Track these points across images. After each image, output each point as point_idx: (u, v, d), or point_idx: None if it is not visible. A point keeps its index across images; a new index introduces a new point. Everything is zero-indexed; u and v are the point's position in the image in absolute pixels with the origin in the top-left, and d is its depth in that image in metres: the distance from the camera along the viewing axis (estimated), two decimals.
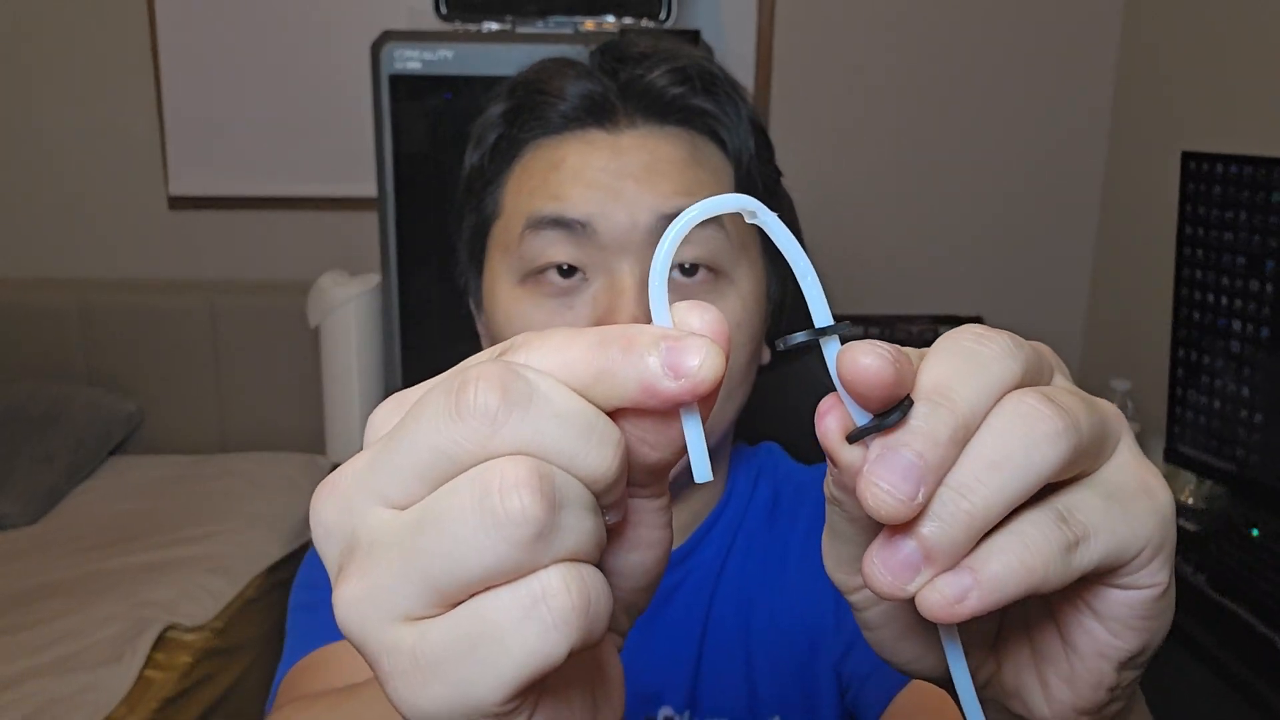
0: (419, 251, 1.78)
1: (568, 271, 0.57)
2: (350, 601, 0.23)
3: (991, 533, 0.25)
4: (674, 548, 0.65)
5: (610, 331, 0.24)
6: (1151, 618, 0.28)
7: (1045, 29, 2.23)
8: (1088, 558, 0.26)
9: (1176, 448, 1.43)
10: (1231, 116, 1.85)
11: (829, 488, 0.29)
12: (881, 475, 0.24)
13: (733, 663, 0.65)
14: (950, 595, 0.25)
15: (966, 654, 0.31)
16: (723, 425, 0.61)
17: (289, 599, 0.67)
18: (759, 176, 0.61)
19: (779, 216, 0.71)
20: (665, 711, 0.63)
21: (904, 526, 0.25)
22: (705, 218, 0.26)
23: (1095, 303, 2.35)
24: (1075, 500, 0.26)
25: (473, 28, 1.84)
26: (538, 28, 1.85)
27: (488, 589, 0.22)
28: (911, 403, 0.25)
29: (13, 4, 2.18)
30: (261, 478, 2.07)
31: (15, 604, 1.60)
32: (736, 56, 2.19)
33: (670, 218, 0.55)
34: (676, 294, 0.57)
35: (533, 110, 0.60)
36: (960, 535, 0.25)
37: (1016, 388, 0.26)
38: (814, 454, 0.77)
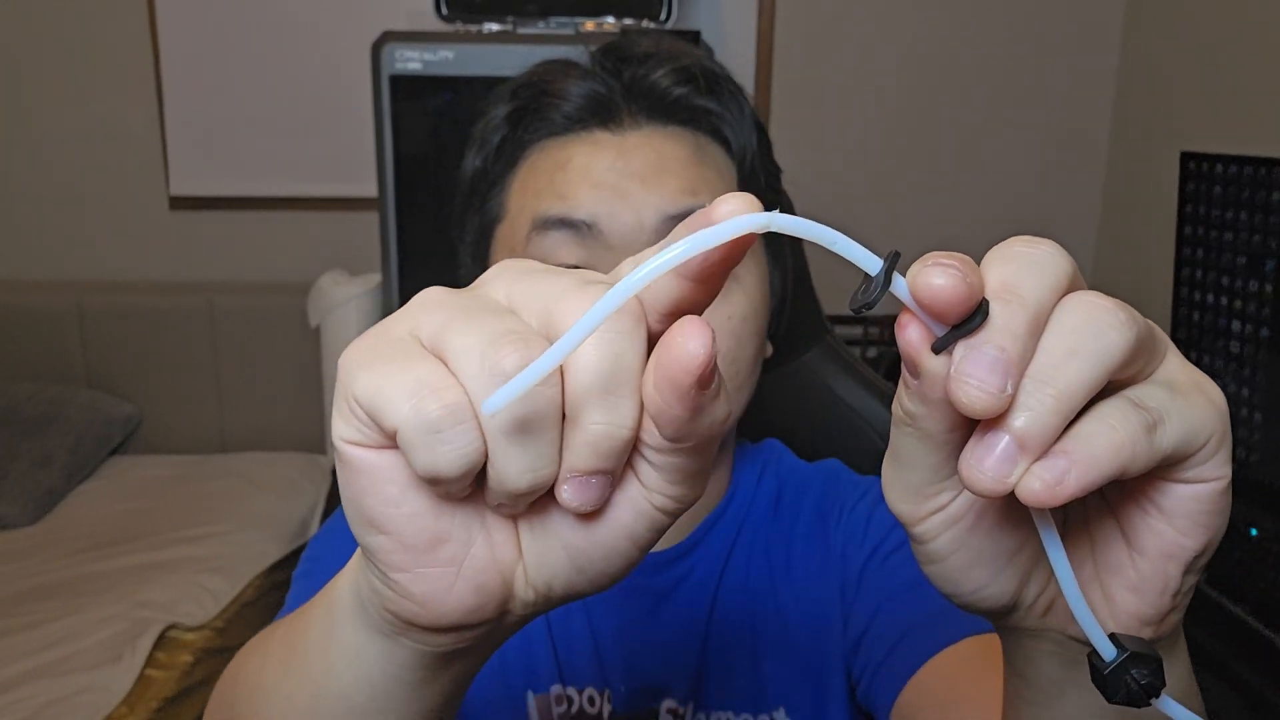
0: (419, 251, 1.79)
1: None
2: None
3: (1075, 421, 0.27)
4: (678, 541, 0.65)
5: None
6: (1217, 513, 0.29)
7: (1046, 30, 2.23)
8: (1167, 439, 0.27)
9: None
10: (1231, 117, 1.86)
11: (903, 406, 0.29)
12: (970, 373, 0.25)
13: (738, 656, 0.65)
14: (1050, 479, 0.26)
15: (1026, 577, 0.32)
16: (733, 419, 0.62)
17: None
18: (761, 173, 0.62)
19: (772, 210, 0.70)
20: (669, 704, 0.64)
21: (993, 423, 0.26)
22: (726, 240, 0.26)
23: None
24: (1143, 392, 0.28)
25: (473, 28, 1.84)
26: (538, 28, 1.85)
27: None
28: (988, 305, 0.26)
29: (14, 5, 2.18)
30: (261, 478, 2.07)
31: (15, 605, 1.61)
32: (737, 57, 2.19)
33: (676, 218, 0.56)
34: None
35: (536, 111, 0.60)
36: (1050, 421, 0.26)
37: (1071, 287, 0.28)
38: (814, 450, 0.77)
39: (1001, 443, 0.26)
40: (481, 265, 0.64)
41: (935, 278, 0.25)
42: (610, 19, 1.86)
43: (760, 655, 0.65)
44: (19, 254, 2.30)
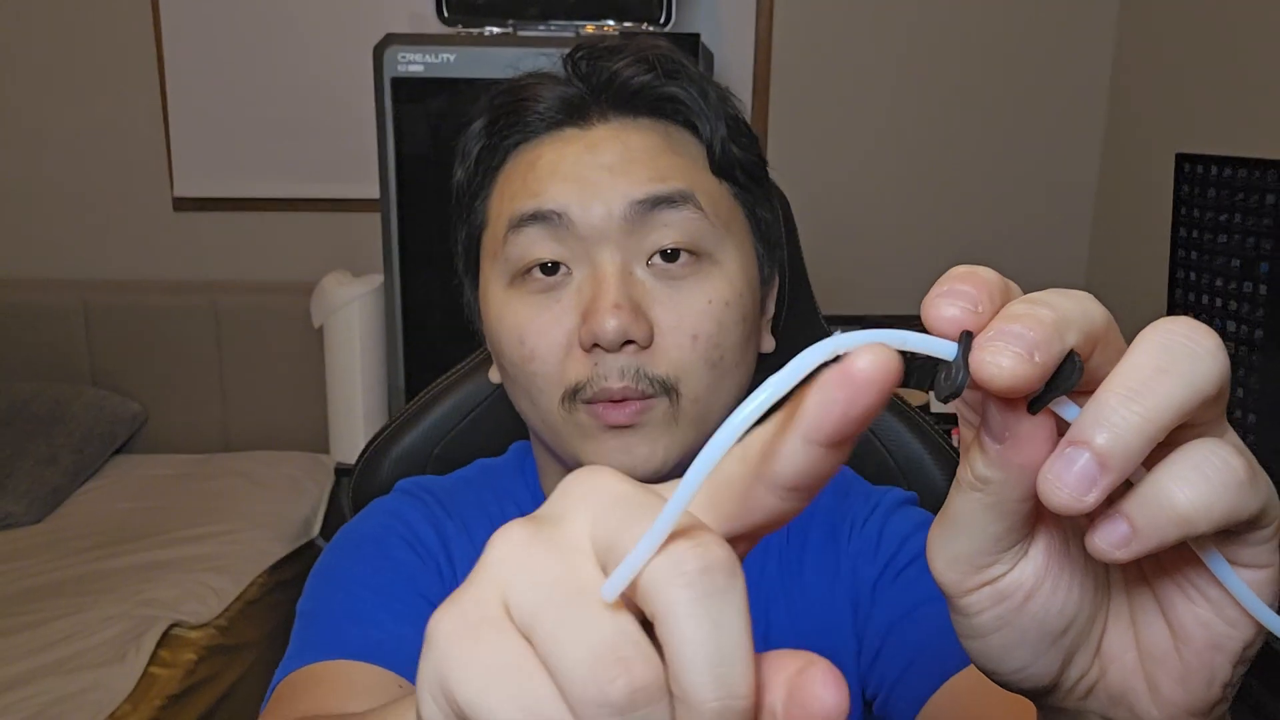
0: (421, 252, 1.80)
1: (551, 269, 0.57)
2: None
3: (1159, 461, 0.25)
4: None
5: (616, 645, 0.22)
6: (1268, 600, 0.27)
7: (1041, 33, 2.24)
8: (1256, 499, 0.25)
9: None
10: (1226, 119, 1.87)
11: (975, 470, 0.27)
12: (1060, 477, 0.24)
13: None
14: (1115, 538, 0.25)
15: (1069, 659, 0.30)
16: (724, 403, 0.60)
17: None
18: (736, 160, 0.61)
19: (770, 211, 0.70)
20: None
21: (1075, 436, 0.25)
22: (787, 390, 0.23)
23: None
24: (1226, 442, 0.26)
25: (474, 31, 1.85)
26: (539, 31, 1.86)
27: None
28: (1075, 355, 0.24)
29: (18, 6, 2.19)
30: (265, 477, 2.08)
31: (20, 603, 1.62)
32: (735, 60, 2.21)
33: (642, 203, 0.56)
34: (662, 283, 0.57)
35: (510, 117, 0.61)
36: (1133, 441, 0.24)
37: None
38: None
39: (1081, 460, 0.24)
40: (474, 276, 0.65)
41: (1001, 358, 0.23)
42: (610, 22, 1.87)
43: None
44: (25, 253, 2.31)
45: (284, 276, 2.29)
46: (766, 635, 0.65)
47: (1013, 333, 0.24)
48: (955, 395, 0.24)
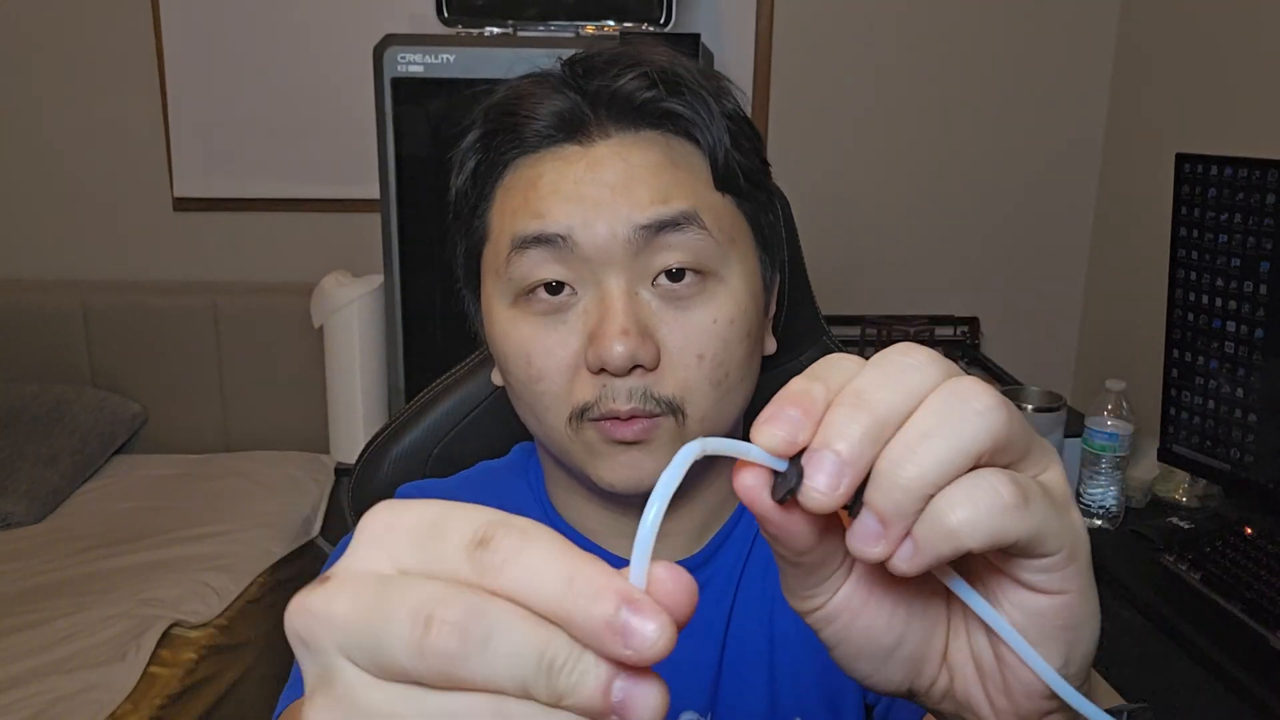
0: (421, 252, 1.80)
1: (556, 288, 0.57)
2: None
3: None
4: (691, 554, 0.65)
5: (583, 571, 0.24)
6: (1069, 628, 0.31)
7: (1042, 33, 2.24)
8: (1029, 520, 0.29)
9: (1170, 447, 1.44)
10: (1226, 119, 1.87)
11: (766, 537, 0.33)
12: (810, 481, 0.28)
13: (755, 667, 0.64)
14: (903, 554, 0.29)
15: (915, 670, 0.35)
16: (730, 418, 0.61)
17: None
18: (739, 170, 0.61)
19: (772, 213, 0.70)
20: (688, 716, 0.63)
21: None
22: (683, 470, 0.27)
23: (1090, 304, 2.36)
24: (1017, 474, 0.30)
25: (474, 32, 1.85)
26: (539, 32, 1.86)
27: None
28: (798, 461, 0.29)
29: (19, 7, 2.20)
30: (265, 477, 2.08)
31: (20, 602, 1.62)
32: (736, 60, 2.21)
33: (646, 228, 0.56)
34: (667, 304, 0.57)
35: (507, 132, 0.60)
36: (904, 501, 0.28)
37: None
38: None
39: (866, 520, 0.29)
40: (475, 290, 0.65)
41: (815, 494, 0.28)
42: (610, 22, 1.87)
43: (777, 666, 0.64)
44: (25, 254, 2.32)
45: (284, 277, 2.29)
46: (770, 631, 0.65)
47: (827, 464, 0.28)
48: (791, 494, 0.29)
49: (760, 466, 0.29)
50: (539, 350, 0.57)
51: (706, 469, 0.64)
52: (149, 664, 1.49)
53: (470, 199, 0.63)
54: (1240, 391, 1.33)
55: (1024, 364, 2.28)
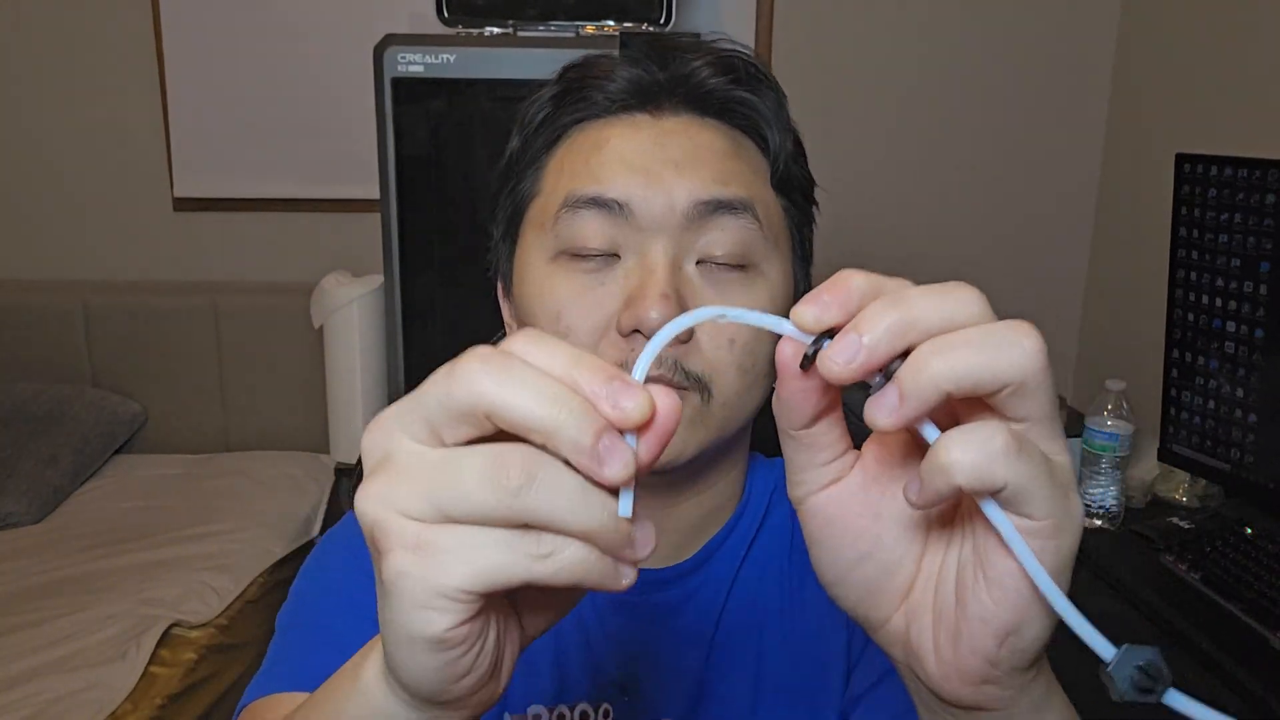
0: (421, 252, 1.80)
1: (600, 252, 0.57)
2: (372, 495, 0.31)
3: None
4: (685, 558, 0.64)
5: (585, 357, 0.31)
6: (1030, 600, 0.33)
7: (1042, 33, 2.24)
8: (1017, 467, 0.30)
9: (1171, 447, 1.44)
10: (1226, 119, 1.87)
11: (774, 407, 0.36)
12: (829, 353, 0.32)
13: (738, 680, 0.64)
14: (840, 355, 0.31)
15: (877, 586, 0.37)
16: (749, 408, 0.61)
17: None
18: (795, 179, 0.62)
19: (811, 229, 0.71)
20: None
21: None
22: (687, 325, 0.34)
23: (1090, 304, 2.36)
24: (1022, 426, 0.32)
25: (474, 32, 1.85)
26: (539, 32, 1.86)
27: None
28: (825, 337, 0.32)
29: (18, 7, 2.20)
30: (265, 477, 2.08)
31: (21, 602, 1.62)
32: None
33: (707, 203, 0.56)
34: (708, 283, 0.58)
35: (580, 92, 0.60)
36: (926, 388, 0.30)
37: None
38: None
39: (889, 394, 0.31)
40: (512, 244, 0.64)
41: (833, 365, 0.31)
42: (610, 22, 1.87)
43: (760, 682, 0.64)
44: (25, 255, 2.32)
45: (284, 277, 2.29)
46: (759, 646, 0.65)
47: (848, 343, 0.31)
48: (806, 366, 0.33)
49: (802, 344, 0.33)
50: (573, 309, 0.57)
51: (712, 464, 0.63)
52: (149, 664, 1.49)
53: (528, 155, 0.62)
54: (1240, 391, 1.33)
55: None
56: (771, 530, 0.67)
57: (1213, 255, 1.34)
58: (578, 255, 0.57)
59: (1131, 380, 1.53)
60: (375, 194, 1.81)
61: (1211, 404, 1.38)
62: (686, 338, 0.56)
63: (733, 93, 0.60)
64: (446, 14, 1.86)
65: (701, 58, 0.60)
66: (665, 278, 0.55)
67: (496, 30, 1.85)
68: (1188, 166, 1.36)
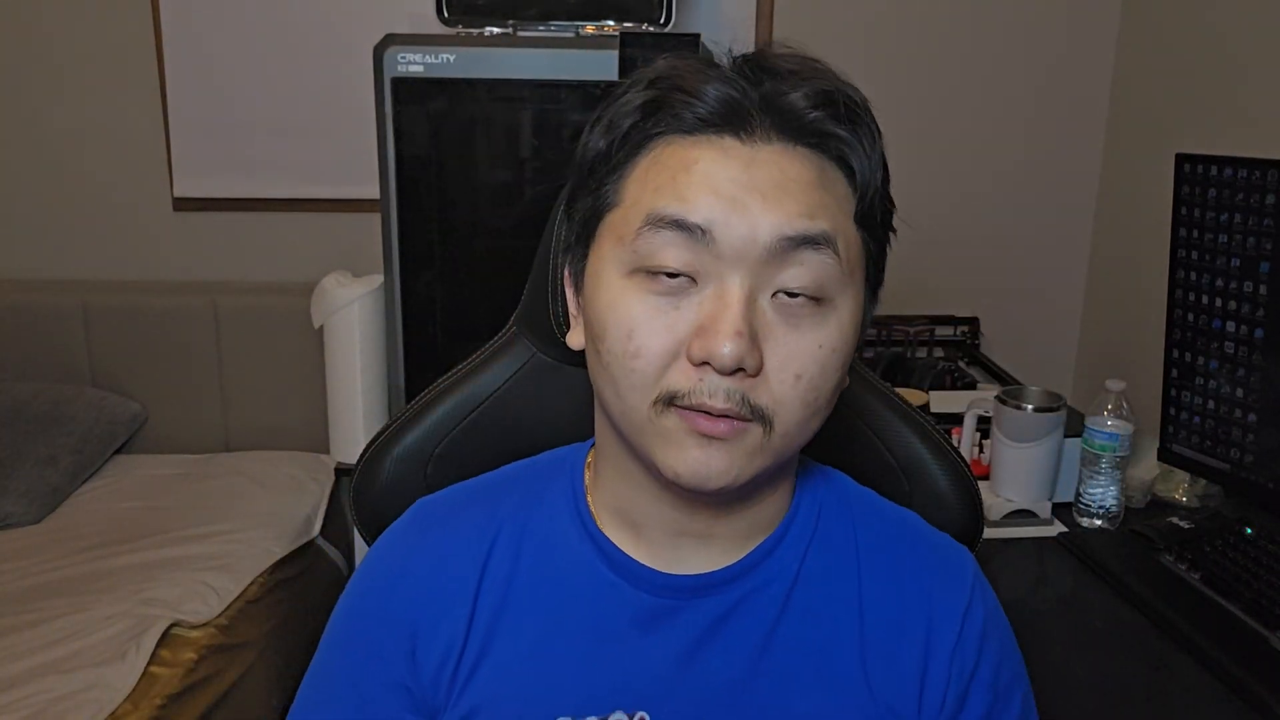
0: (421, 252, 1.80)
1: (677, 274, 0.57)
2: None
3: None
4: (730, 563, 0.64)
5: None
6: None
7: (1042, 34, 2.25)
8: None
9: (1170, 447, 1.44)
10: (1226, 119, 1.87)
11: None
12: None
13: (784, 699, 0.63)
14: None
15: None
16: (806, 439, 0.61)
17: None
18: (878, 210, 0.62)
19: (886, 257, 0.68)
20: None
21: None
22: None
23: (1090, 304, 2.36)
24: None
25: (474, 32, 1.85)
26: (539, 32, 1.86)
27: None
28: None
29: (19, 7, 2.20)
30: (265, 477, 2.08)
31: (21, 602, 1.62)
32: None
33: (789, 239, 0.56)
34: (782, 318, 0.57)
35: (670, 106, 0.59)
36: None
37: None
38: (807, 451, 0.77)
39: None
40: (586, 246, 0.63)
41: None
42: (610, 22, 1.87)
43: (804, 704, 0.63)
44: (25, 254, 2.32)
45: (284, 276, 2.29)
46: (810, 665, 0.64)
47: None
48: None
49: None
50: (645, 330, 0.57)
51: (766, 482, 0.63)
52: (149, 664, 1.49)
53: (611, 161, 0.61)
54: (1240, 391, 1.33)
55: (1024, 364, 2.28)
56: (828, 539, 0.67)
57: (1212, 255, 1.34)
58: (654, 274, 0.57)
59: (1131, 380, 1.53)
60: (375, 194, 1.81)
61: (1211, 404, 1.38)
62: (755, 370, 0.56)
63: (827, 126, 0.59)
64: (446, 14, 1.86)
65: (800, 86, 0.58)
66: (740, 313, 0.55)
67: (496, 30, 1.85)
68: (1187, 166, 1.36)
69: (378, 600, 0.67)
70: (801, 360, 0.57)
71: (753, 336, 0.55)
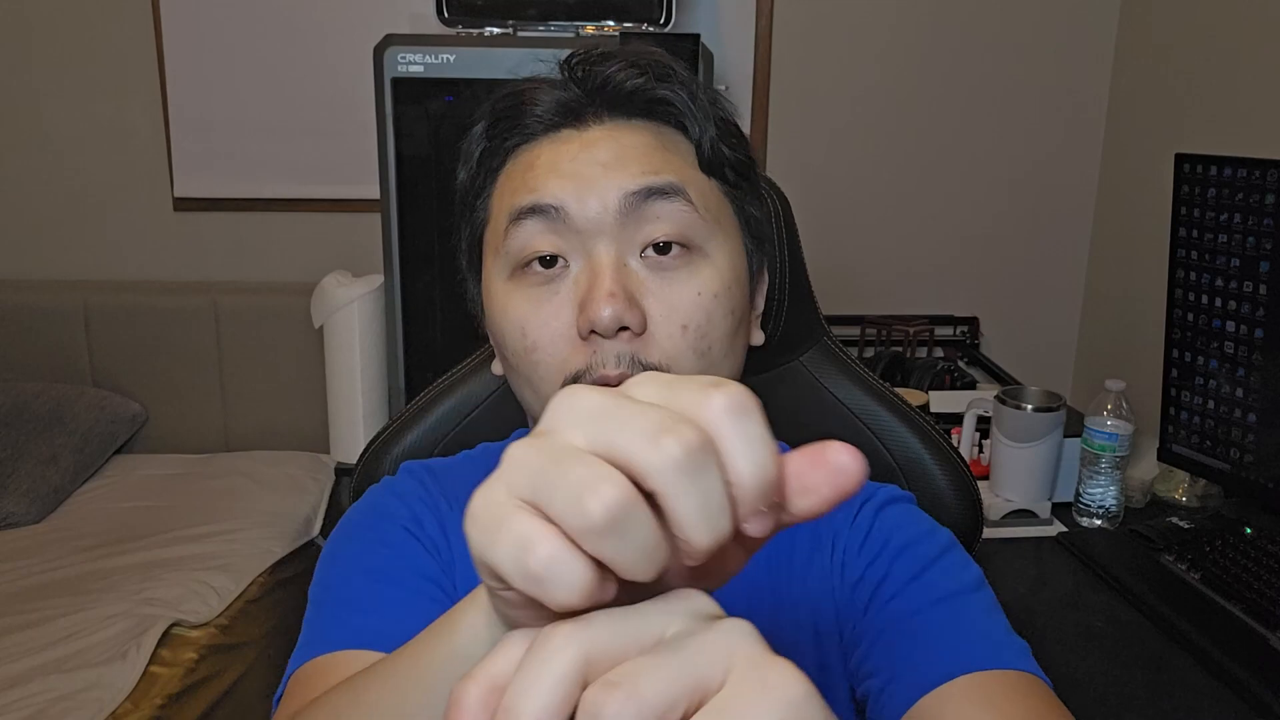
0: (421, 252, 1.80)
1: (549, 261, 0.60)
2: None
3: None
4: None
5: None
6: None
7: (1042, 34, 2.25)
8: None
9: (1170, 447, 1.44)
10: (1226, 119, 1.87)
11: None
12: None
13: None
14: None
15: None
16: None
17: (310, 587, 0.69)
18: (725, 158, 0.64)
19: (759, 207, 0.72)
20: None
21: None
22: None
23: (1090, 304, 2.36)
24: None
25: (474, 32, 1.85)
26: (539, 32, 1.86)
27: None
28: None
29: (19, 6, 2.20)
30: (265, 477, 2.08)
31: (21, 602, 1.62)
32: (736, 60, 2.21)
33: (635, 194, 0.59)
34: (652, 272, 0.59)
35: (510, 120, 0.64)
36: None
37: None
38: None
39: None
40: (476, 273, 0.67)
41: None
42: (610, 22, 1.87)
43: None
44: (25, 254, 2.32)
45: (284, 276, 2.29)
46: (751, 618, 0.65)
47: None
48: None
49: None
50: (534, 322, 0.59)
51: None
52: (149, 663, 1.49)
53: (474, 185, 0.66)
54: (1240, 391, 1.33)
55: (1024, 364, 2.28)
56: None
57: (1212, 255, 1.34)
58: (530, 269, 0.60)
59: (1131, 380, 1.53)
60: (375, 194, 1.81)
61: (1211, 404, 1.38)
62: (640, 328, 0.58)
63: (649, 92, 0.62)
64: (446, 14, 1.86)
65: (615, 65, 0.62)
66: (611, 276, 0.57)
67: (496, 30, 1.85)
68: (1187, 166, 1.36)
69: (384, 498, 0.70)
70: (685, 310, 0.59)
71: (629, 297, 0.57)
